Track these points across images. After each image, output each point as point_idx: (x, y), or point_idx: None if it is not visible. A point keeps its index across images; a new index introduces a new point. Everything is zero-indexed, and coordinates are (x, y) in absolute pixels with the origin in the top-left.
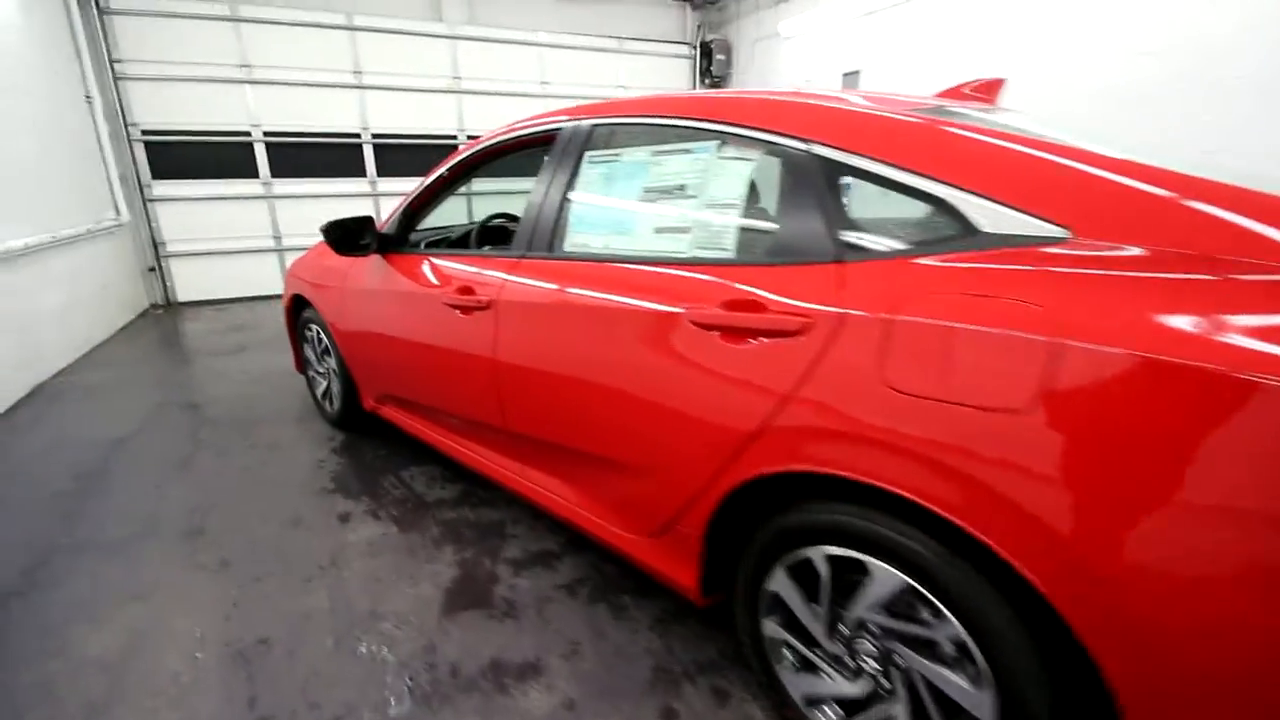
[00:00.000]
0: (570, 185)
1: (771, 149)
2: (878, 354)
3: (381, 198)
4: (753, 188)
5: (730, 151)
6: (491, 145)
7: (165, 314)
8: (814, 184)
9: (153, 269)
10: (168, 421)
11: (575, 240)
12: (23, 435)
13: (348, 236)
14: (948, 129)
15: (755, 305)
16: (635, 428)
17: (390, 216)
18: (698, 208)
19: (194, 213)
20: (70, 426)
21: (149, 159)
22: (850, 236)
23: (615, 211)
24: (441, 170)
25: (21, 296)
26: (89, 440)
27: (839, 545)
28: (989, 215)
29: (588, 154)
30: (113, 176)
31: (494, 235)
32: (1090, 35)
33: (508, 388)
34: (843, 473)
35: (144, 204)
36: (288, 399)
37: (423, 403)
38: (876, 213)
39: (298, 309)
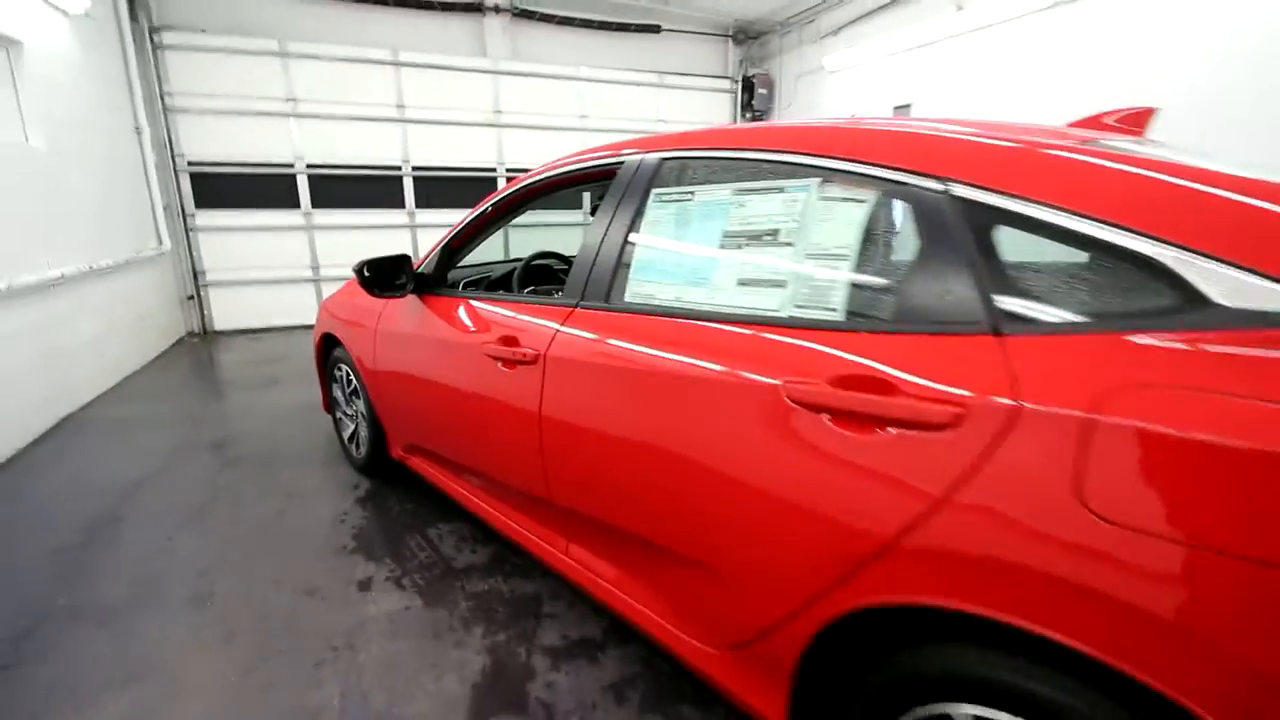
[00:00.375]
0: (634, 227)
1: (892, 189)
2: (1073, 466)
3: (419, 229)
4: (867, 235)
5: (835, 190)
6: (542, 180)
7: (201, 343)
8: (954, 233)
9: (191, 297)
10: (189, 463)
11: (639, 290)
12: (40, 475)
13: (382, 276)
14: (1151, 171)
15: (880, 385)
16: (708, 518)
17: (429, 254)
18: (794, 257)
19: (234, 242)
20: (89, 466)
21: (193, 189)
22: (1010, 302)
23: (688, 259)
24: (485, 206)
25: (54, 328)
26: (106, 483)
27: (994, 707)
28: (1227, 284)
29: (655, 191)
30: (157, 206)
31: (539, 275)
32: (1154, 60)
33: (554, 455)
34: (1008, 618)
35: (186, 233)
36: (314, 439)
37: (455, 460)
38: (1024, 270)
39: (328, 347)
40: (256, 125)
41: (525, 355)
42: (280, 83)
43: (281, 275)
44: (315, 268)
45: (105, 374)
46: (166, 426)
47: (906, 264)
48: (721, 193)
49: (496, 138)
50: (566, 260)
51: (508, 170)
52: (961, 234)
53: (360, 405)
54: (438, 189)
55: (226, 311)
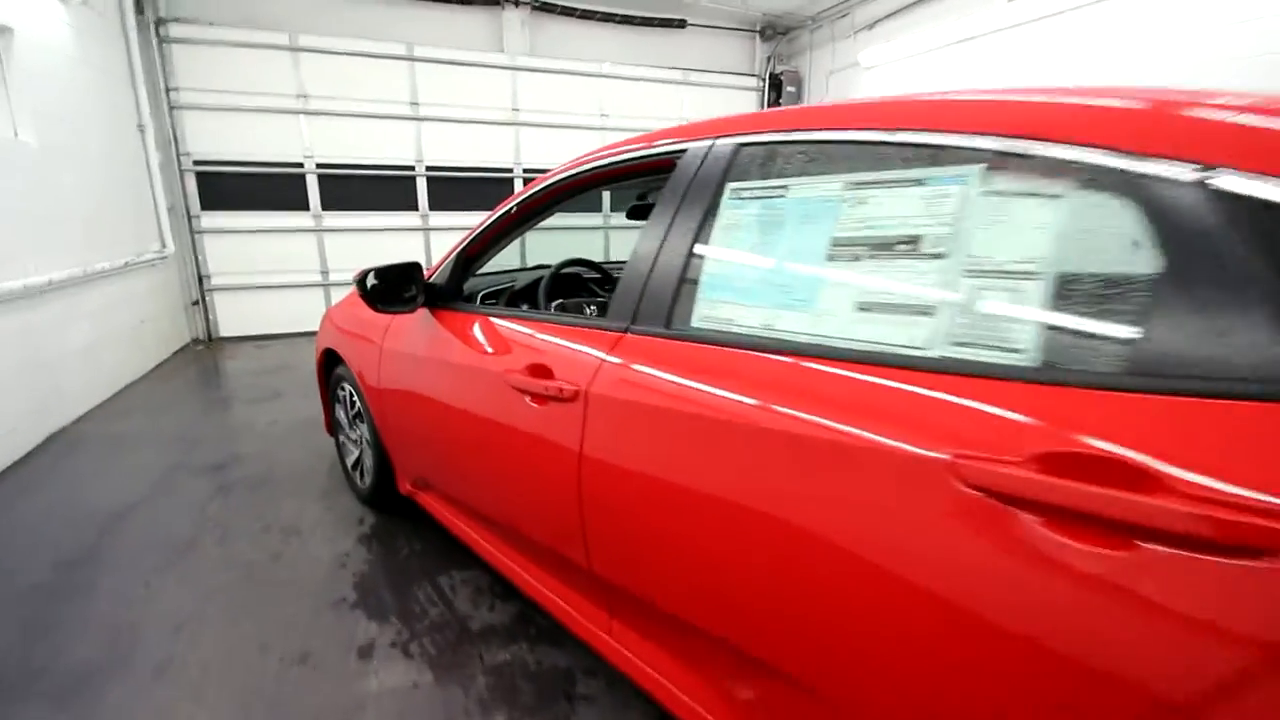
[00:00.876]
0: (702, 232)
1: (1107, 179)
2: None
3: (433, 232)
4: (1072, 243)
5: (1010, 182)
6: (580, 175)
7: (206, 350)
8: (1230, 243)
9: (196, 303)
10: (180, 488)
11: (712, 313)
12: (17, 501)
13: (387, 288)
14: None
15: (1129, 475)
16: (824, 633)
17: (442, 262)
18: (946, 275)
19: (241, 245)
20: (72, 490)
21: (199, 189)
22: None
23: (780, 274)
24: (509, 206)
25: (43, 337)
26: (87, 511)
27: None
28: None
29: (731, 186)
30: (160, 207)
31: (567, 286)
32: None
33: (597, 517)
34: None
35: (191, 236)
36: (316, 463)
37: (471, 504)
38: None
39: (330, 363)
40: (265, 123)
41: (562, 391)
42: (291, 78)
43: (289, 280)
44: (325, 272)
45: (101, 385)
46: (160, 444)
47: (1145, 288)
48: (828, 186)
49: (514, 136)
50: (596, 267)
51: (525, 171)
52: (1241, 244)
53: (364, 430)
54: (452, 190)
55: (232, 317)
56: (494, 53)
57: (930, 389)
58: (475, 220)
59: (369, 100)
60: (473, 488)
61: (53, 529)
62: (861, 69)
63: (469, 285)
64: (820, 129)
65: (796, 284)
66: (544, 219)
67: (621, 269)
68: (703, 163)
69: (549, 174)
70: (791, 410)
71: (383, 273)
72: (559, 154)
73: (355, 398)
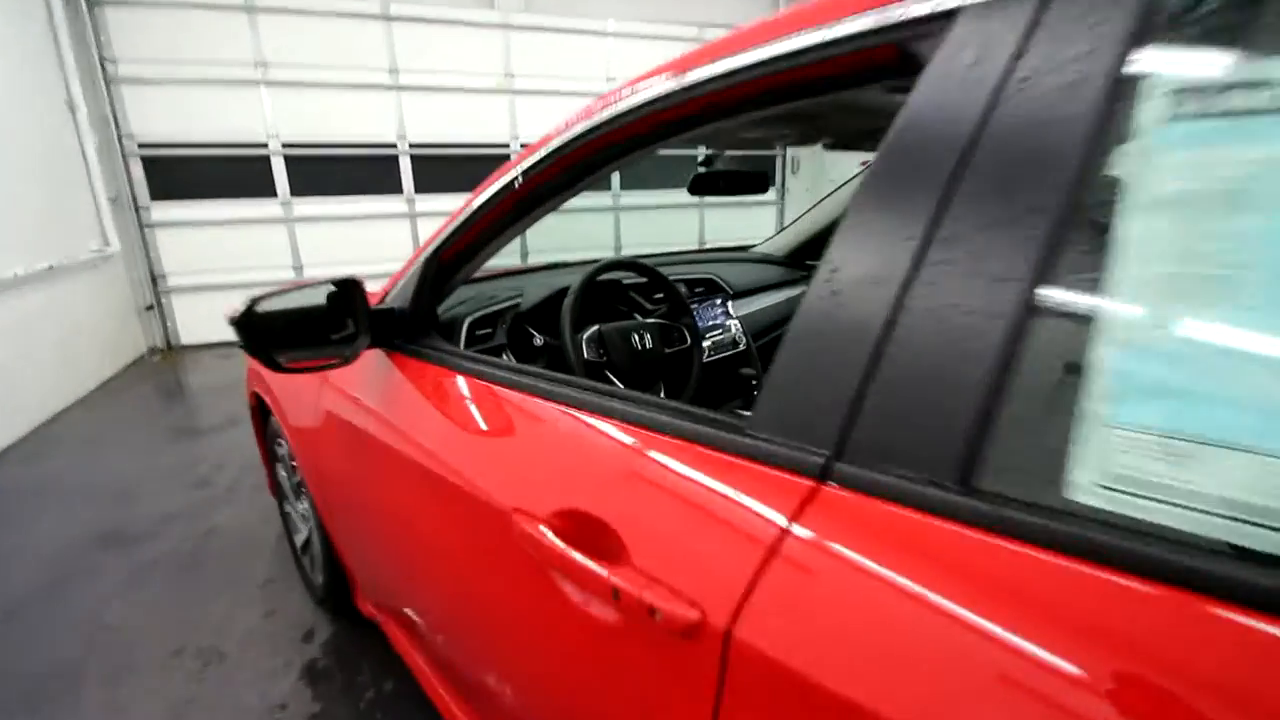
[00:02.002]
0: (1073, 233)
1: None
2: None
3: (421, 218)
4: None
5: None
6: (632, 115)
7: (163, 361)
8: None
9: (151, 307)
10: (79, 577)
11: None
12: None
13: (296, 325)
14: None
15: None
16: None
17: (401, 273)
18: None
19: (200, 239)
20: None
21: (148, 177)
22: None
23: None
24: (508, 177)
25: None
26: None
27: None
28: None
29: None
30: (100, 198)
31: (607, 302)
32: None
33: None
34: None
35: (141, 230)
36: (262, 530)
37: (469, 684)
38: None
39: (264, 409)
40: (221, 97)
41: (659, 615)
42: (248, 44)
43: (257, 277)
44: (298, 267)
45: (17, 419)
46: (73, 502)
47: None
48: None
49: (509, 106)
50: (646, 270)
51: (523, 145)
52: None
53: (305, 506)
54: (441, 170)
55: (193, 322)
56: (483, 9)
57: None
58: (459, 205)
59: (340, 68)
60: (470, 664)
61: None
62: None
63: (447, 306)
64: None
65: None
66: (567, 198)
67: (702, 277)
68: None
69: (571, 121)
70: None
71: (288, 305)
72: None
73: (295, 463)
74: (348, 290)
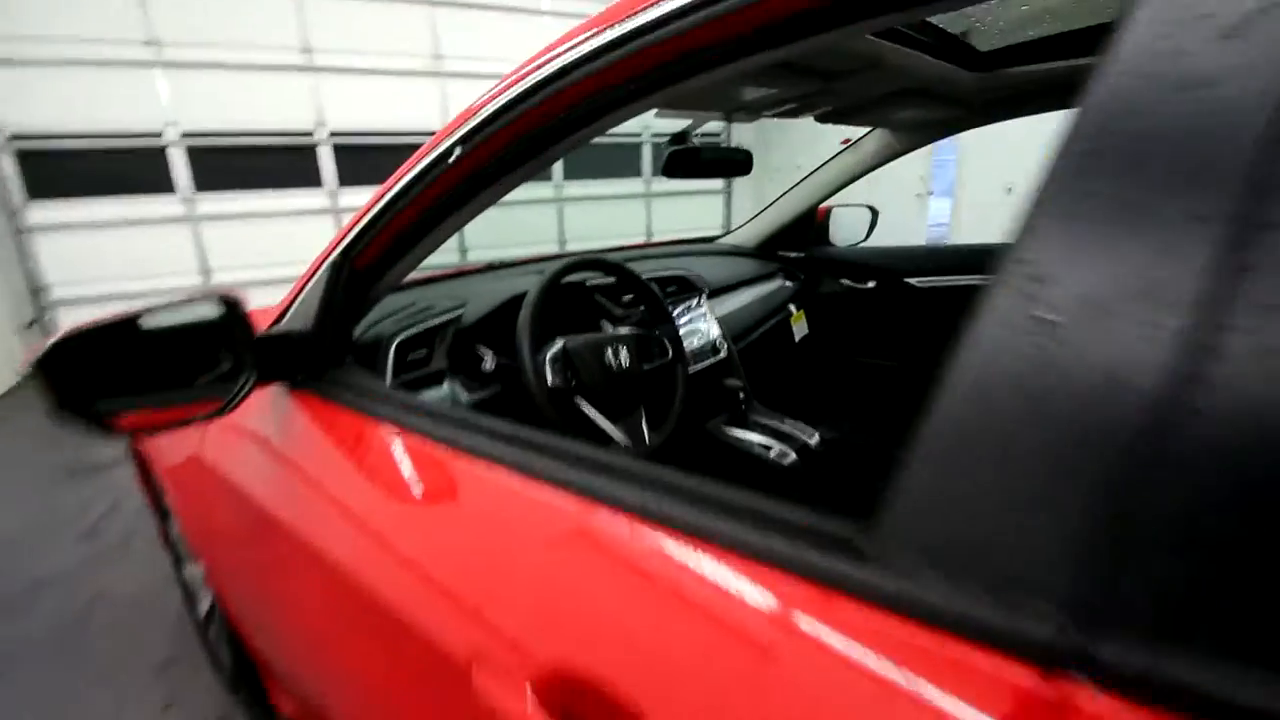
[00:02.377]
0: None
1: None
2: None
3: (345, 213)
4: None
5: None
6: (623, 44)
7: None
8: None
9: (33, 323)
10: None
11: None
12: None
13: (150, 367)
14: None
15: None
16: None
17: (301, 283)
18: None
19: (90, 244)
20: None
21: (23, 173)
22: None
23: None
24: (441, 148)
25: None
26: None
27: None
28: None
29: None
30: None
31: (569, 309)
32: None
33: None
34: None
35: (17, 235)
36: (161, 593)
37: None
38: None
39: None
40: (107, 81)
41: None
42: (137, 19)
43: (159, 285)
44: (206, 271)
45: None
46: None
47: None
48: None
49: (439, 91)
50: (615, 270)
51: None
52: None
53: (197, 571)
54: (367, 160)
55: None
56: None
57: None
58: (370, 198)
59: (245, 46)
60: None
61: None
62: None
63: (368, 322)
64: None
65: None
66: (524, 178)
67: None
68: None
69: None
70: None
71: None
72: None
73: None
74: (231, 315)
